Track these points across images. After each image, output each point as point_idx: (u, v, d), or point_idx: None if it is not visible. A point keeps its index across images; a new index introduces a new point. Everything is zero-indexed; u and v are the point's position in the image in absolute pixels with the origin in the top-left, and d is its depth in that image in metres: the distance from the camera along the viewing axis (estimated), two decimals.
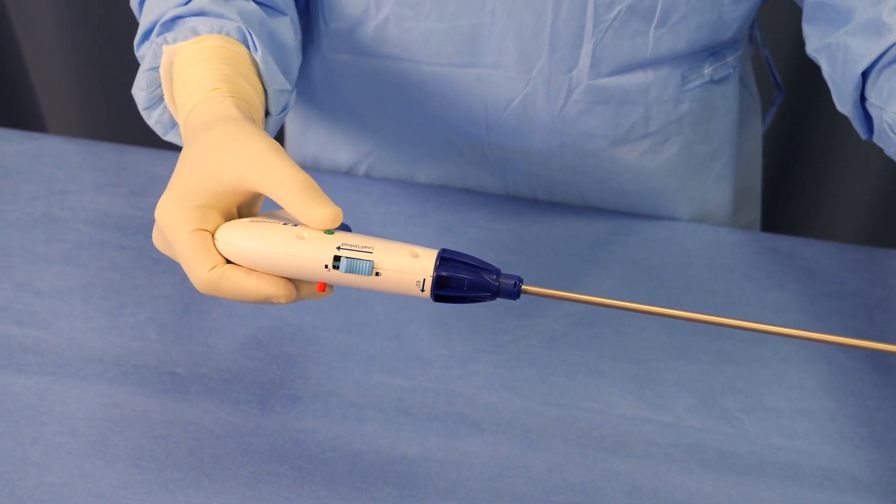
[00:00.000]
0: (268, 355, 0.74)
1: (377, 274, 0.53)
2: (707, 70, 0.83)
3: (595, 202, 0.91)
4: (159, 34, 0.65)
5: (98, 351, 0.73)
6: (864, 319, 0.80)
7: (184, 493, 0.64)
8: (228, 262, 0.54)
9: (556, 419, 0.71)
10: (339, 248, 0.53)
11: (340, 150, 0.93)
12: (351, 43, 0.81)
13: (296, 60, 0.71)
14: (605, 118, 0.82)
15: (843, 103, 0.70)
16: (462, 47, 0.78)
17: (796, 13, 0.78)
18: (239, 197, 0.54)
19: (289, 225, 0.54)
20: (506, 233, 0.87)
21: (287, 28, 0.71)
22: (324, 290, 0.54)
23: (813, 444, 0.70)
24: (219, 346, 0.74)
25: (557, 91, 0.80)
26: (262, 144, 0.53)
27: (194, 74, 0.60)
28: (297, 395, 0.71)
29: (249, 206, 0.56)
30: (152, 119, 0.66)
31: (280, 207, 0.56)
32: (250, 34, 0.64)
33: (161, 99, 0.65)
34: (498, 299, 0.55)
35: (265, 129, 0.65)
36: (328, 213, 0.52)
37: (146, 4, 0.68)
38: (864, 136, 0.71)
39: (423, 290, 0.53)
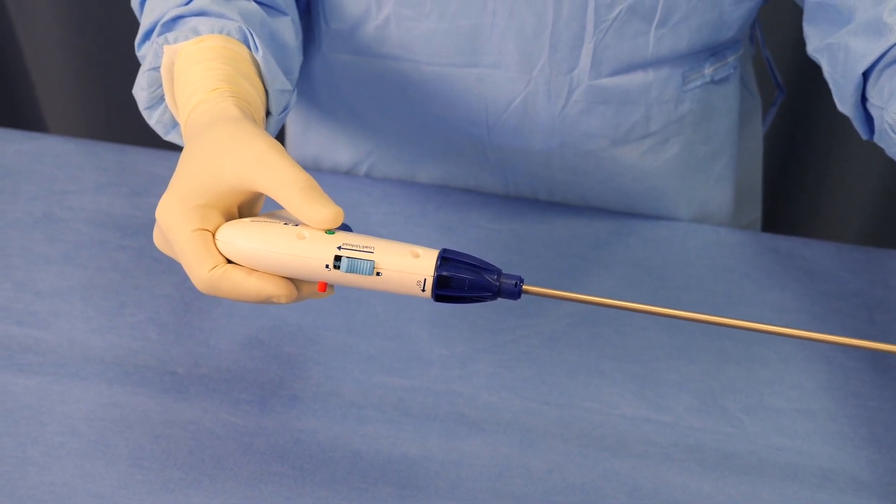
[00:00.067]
0: (268, 355, 0.74)
1: (378, 274, 0.53)
2: (708, 70, 0.83)
3: (596, 202, 0.91)
4: (160, 34, 0.65)
5: (98, 351, 0.73)
6: (864, 320, 0.80)
7: (184, 493, 0.64)
8: (229, 261, 0.54)
9: (557, 419, 0.71)
10: (339, 247, 0.53)
11: (341, 150, 0.93)
12: (352, 43, 0.81)
13: (297, 60, 0.71)
14: (605, 118, 0.82)
15: (844, 103, 0.70)
16: (463, 47, 0.78)
17: (797, 13, 0.78)
18: (240, 197, 0.54)
19: (290, 225, 0.54)
20: (506, 233, 0.87)
21: (288, 28, 0.71)
22: (324, 290, 0.54)
23: (813, 444, 0.70)
24: (219, 346, 0.74)
25: (558, 91, 0.80)
26: (263, 144, 0.53)
27: (195, 74, 0.60)
28: (297, 395, 0.71)
29: (250, 206, 0.56)
30: (153, 119, 0.66)
31: (281, 207, 0.56)
32: (251, 34, 0.64)
33: (162, 99, 0.65)
34: (498, 299, 0.55)
35: (266, 129, 0.65)
36: (329, 212, 0.52)
37: (147, 4, 0.68)
38: (864, 137, 0.71)
39: (423, 290, 0.53)
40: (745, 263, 0.85)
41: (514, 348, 0.76)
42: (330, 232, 0.53)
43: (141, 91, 0.65)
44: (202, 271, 0.53)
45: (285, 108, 0.67)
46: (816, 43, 0.72)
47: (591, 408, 0.72)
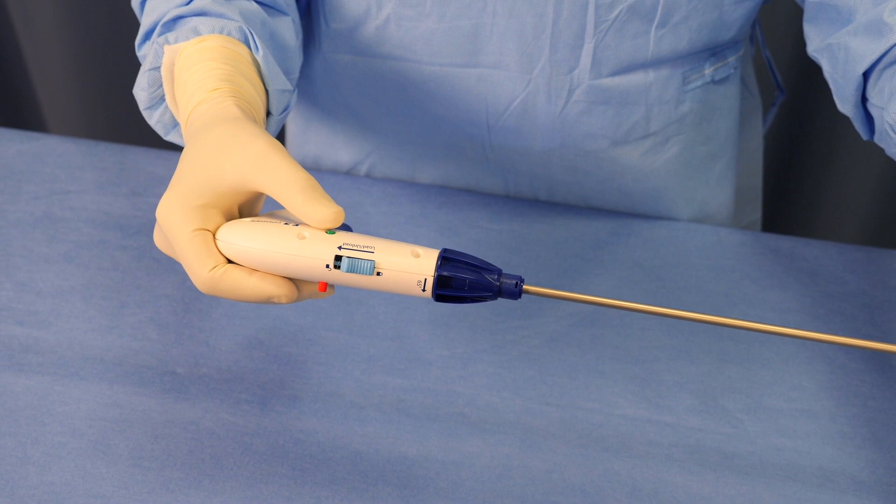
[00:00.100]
0: (268, 355, 0.74)
1: (378, 274, 0.53)
2: (708, 70, 0.83)
3: (596, 202, 0.91)
4: (161, 34, 0.65)
5: (99, 351, 0.73)
6: (864, 320, 0.80)
7: (184, 492, 0.64)
8: (230, 261, 0.54)
9: (557, 419, 0.71)
10: (340, 247, 0.53)
11: (341, 150, 0.93)
12: (352, 43, 0.81)
13: (297, 60, 0.72)
14: (605, 118, 0.82)
15: (845, 104, 0.70)
16: (463, 47, 0.78)
17: (797, 14, 0.78)
18: (240, 197, 0.54)
19: (290, 225, 0.54)
20: (506, 233, 0.87)
21: (288, 28, 0.71)
22: (325, 290, 0.54)
23: (813, 444, 0.70)
24: (220, 346, 0.74)
25: (558, 91, 0.80)
26: (264, 144, 0.53)
27: (196, 74, 0.60)
28: (297, 396, 0.71)
29: (251, 206, 0.56)
30: (153, 119, 0.66)
31: (281, 207, 0.56)
32: (252, 34, 0.64)
33: (162, 99, 0.65)
34: (498, 299, 0.55)
35: (266, 129, 0.65)
36: (330, 212, 0.52)
37: (147, 5, 0.68)
38: (865, 137, 0.71)
39: (424, 290, 0.53)
40: (745, 264, 0.85)
41: (514, 348, 0.76)
42: (330, 232, 0.53)
43: (141, 91, 0.65)
44: (203, 271, 0.53)
45: (286, 109, 0.67)
46: (817, 43, 0.72)
47: (591, 408, 0.72)
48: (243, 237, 0.53)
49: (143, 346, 0.74)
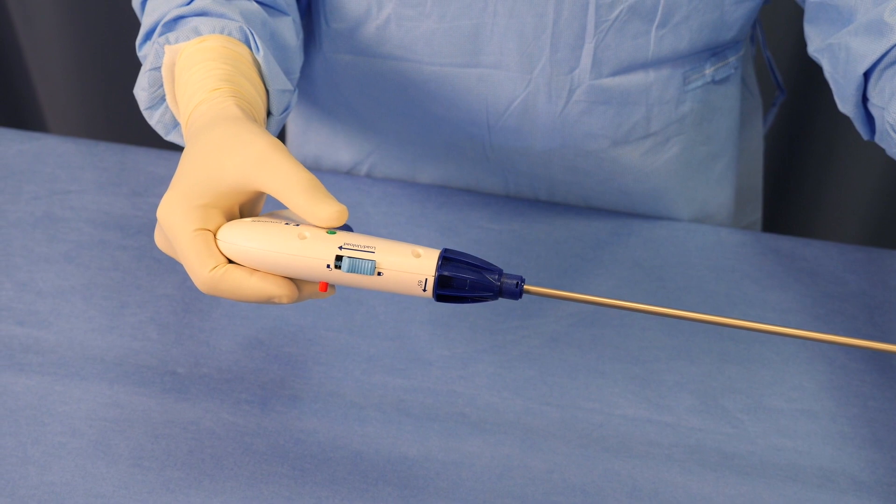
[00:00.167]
0: (269, 355, 0.74)
1: (379, 274, 0.53)
2: (708, 70, 0.83)
3: (596, 202, 0.91)
4: (161, 34, 0.65)
5: (99, 351, 0.73)
6: (864, 320, 0.80)
7: (184, 492, 0.64)
8: (230, 261, 0.54)
9: (557, 420, 0.71)
10: (341, 247, 0.53)
11: (342, 150, 0.93)
12: (352, 43, 0.81)
13: (297, 60, 0.72)
14: (606, 118, 0.82)
15: (845, 104, 0.70)
16: (463, 47, 0.78)
17: (798, 14, 0.78)
18: (241, 196, 0.54)
19: (291, 225, 0.54)
20: (507, 233, 0.87)
21: (289, 28, 0.71)
22: (326, 290, 0.54)
23: (814, 444, 0.70)
24: (220, 346, 0.74)
25: (559, 91, 0.80)
26: (266, 144, 0.53)
27: (196, 74, 0.60)
28: (298, 396, 0.71)
29: (251, 206, 0.56)
30: (154, 119, 0.66)
31: (282, 207, 0.56)
32: (252, 34, 0.64)
33: (163, 99, 0.65)
34: (499, 299, 0.55)
35: (267, 129, 0.65)
36: (334, 210, 0.52)
37: (148, 5, 0.68)
38: (865, 137, 0.71)
39: (424, 290, 0.53)
40: (745, 264, 0.85)
41: (514, 349, 0.76)
42: (331, 232, 0.53)
43: (142, 91, 0.65)
44: (203, 271, 0.53)
45: (286, 109, 0.67)
46: (817, 43, 0.72)
47: (591, 408, 0.72)
48: (244, 237, 0.53)
49: (143, 346, 0.74)
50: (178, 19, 0.65)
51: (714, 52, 0.82)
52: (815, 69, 0.78)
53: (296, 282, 0.54)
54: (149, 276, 0.79)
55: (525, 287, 0.54)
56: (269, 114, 0.66)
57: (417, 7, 0.77)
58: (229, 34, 0.63)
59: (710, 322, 0.55)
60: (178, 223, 0.53)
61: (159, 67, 0.63)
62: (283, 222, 0.54)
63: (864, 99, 0.69)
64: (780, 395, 0.74)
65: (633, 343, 0.77)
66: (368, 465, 0.66)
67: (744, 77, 0.94)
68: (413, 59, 0.80)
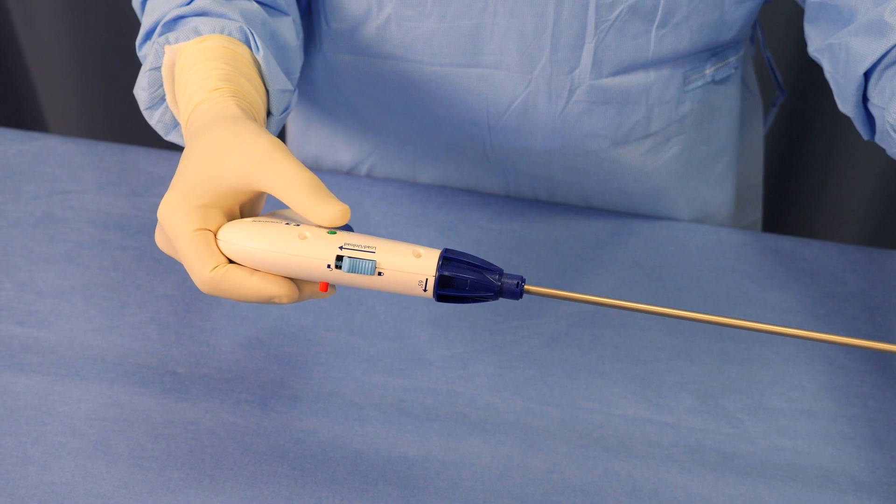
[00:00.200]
0: (269, 355, 0.74)
1: (380, 274, 0.53)
2: (709, 70, 0.83)
3: (596, 202, 0.91)
4: (161, 34, 0.65)
5: (99, 351, 0.73)
6: (864, 320, 0.80)
7: (185, 492, 0.64)
8: (231, 261, 0.54)
9: (557, 420, 0.71)
10: (341, 247, 0.53)
11: (342, 151, 0.93)
12: (353, 43, 0.81)
13: (298, 60, 0.72)
14: (606, 118, 0.82)
15: (845, 104, 0.70)
16: (463, 47, 0.78)
17: (798, 14, 0.78)
18: (242, 196, 0.54)
19: (291, 225, 0.54)
20: (507, 233, 0.87)
21: (289, 28, 0.71)
22: (326, 290, 0.54)
23: (814, 444, 0.70)
24: (220, 346, 0.74)
25: (559, 91, 0.80)
26: (267, 143, 0.53)
27: (196, 74, 0.60)
28: (298, 396, 0.71)
29: (252, 206, 0.56)
30: (154, 119, 0.66)
31: (283, 207, 0.56)
32: (252, 34, 0.64)
33: (163, 99, 0.65)
34: (499, 299, 0.55)
35: (267, 129, 0.65)
36: (337, 210, 0.52)
37: (148, 4, 0.68)
38: (866, 137, 0.71)
39: (425, 290, 0.53)
40: (745, 264, 0.85)
41: (514, 349, 0.76)
42: (332, 232, 0.53)
43: (142, 91, 0.65)
44: (204, 271, 0.53)
45: (286, 109, 0.67)
46: (817, 43, 0.72)
47: (591, 408, 0.72)
48: (245, 237, 0.53)
49: (143, 346, 0.74)
50: (178, 19, 0.65)
51: (714, 52, 0.82)
52: (815, 69, 0.78)
53: (296, 282, 0.54)
54: (149, 276, 0.79)
55: (525, 287, 0.54)
56: (269, 114, 0.66)
57: (417, 7, 0.77)
58: (229, 34, 0.63)
59: (710, 322, 0.55)
60: (178, 223, 0.53)
61: (159, 67, 0.63)
62: (284, 222, 0.54)
63: (865, 99, 0.69)
64: (780, 395, 0.74)
65: (633, 343, 0.77)
66: (368, 465, 0.66)
67: (744, 77, 0.94)
68: (413, 59, 0.80)
